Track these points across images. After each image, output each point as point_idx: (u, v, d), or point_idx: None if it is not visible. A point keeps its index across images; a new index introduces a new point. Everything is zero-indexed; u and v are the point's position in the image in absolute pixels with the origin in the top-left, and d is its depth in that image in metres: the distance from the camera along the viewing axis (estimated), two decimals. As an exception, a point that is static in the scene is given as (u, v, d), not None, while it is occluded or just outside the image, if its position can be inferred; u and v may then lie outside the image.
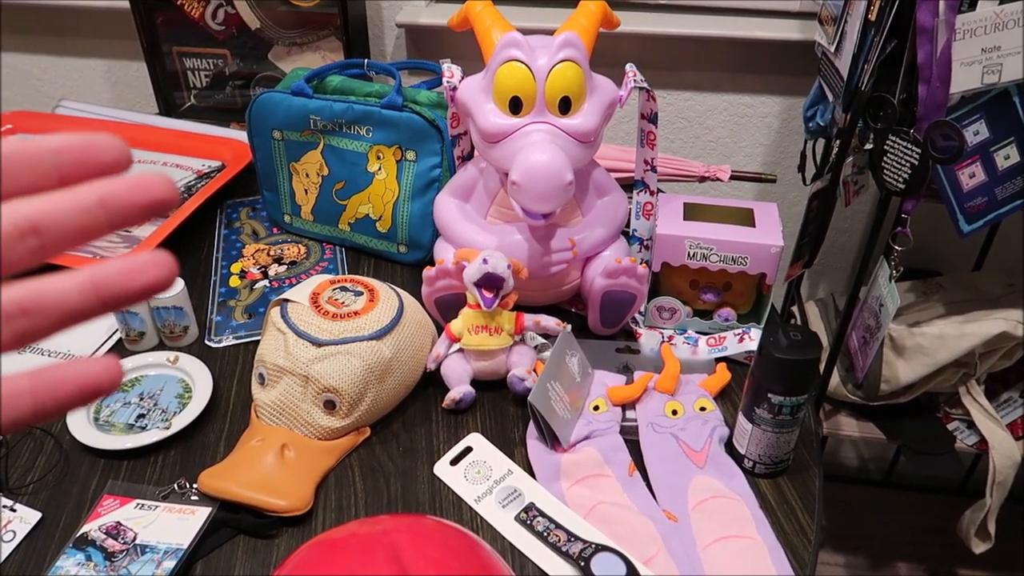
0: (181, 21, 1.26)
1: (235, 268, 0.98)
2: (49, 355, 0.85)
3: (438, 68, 1.02)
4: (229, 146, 1.16)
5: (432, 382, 0.81)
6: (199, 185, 1.10)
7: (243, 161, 1.11)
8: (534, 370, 0.80)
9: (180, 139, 1.18)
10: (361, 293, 0.78)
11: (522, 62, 0.76)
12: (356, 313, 0.75)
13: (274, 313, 0.77)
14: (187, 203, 1.03)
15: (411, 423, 0.78)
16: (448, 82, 0.82)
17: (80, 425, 0.76)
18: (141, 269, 0.23)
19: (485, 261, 0.75)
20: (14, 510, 0.69)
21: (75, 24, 1.44)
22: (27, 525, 0.68)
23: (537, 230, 0.82)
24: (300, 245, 1.03)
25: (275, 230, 1.06)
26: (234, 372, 0.84)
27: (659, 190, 0.92)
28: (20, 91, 1.54)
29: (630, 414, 0.77)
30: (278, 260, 1.00)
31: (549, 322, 0.80)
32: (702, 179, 1.09)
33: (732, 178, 1.08)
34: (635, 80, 0.82)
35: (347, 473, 0.73)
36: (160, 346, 0.87)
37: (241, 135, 1.19)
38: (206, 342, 0.87)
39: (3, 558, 0.66)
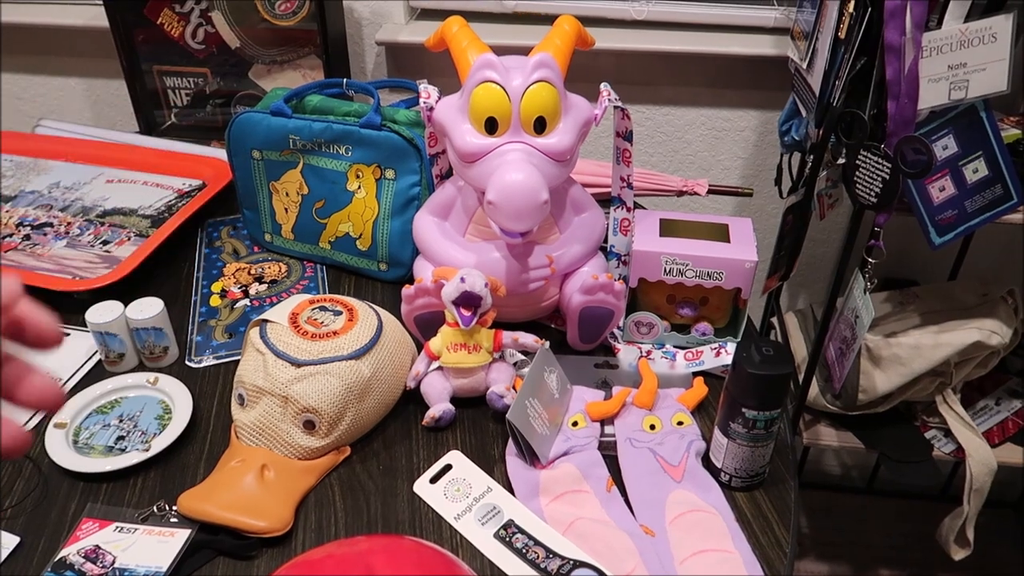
0: (161, 40, 1.26)
1: (216, 287, 0.98)
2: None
3: (414, 86, 1.03)
4: (210, 165, 1.17)
5: (412, 400, 0.82)
6: (179, 204, 1.10)
7: (224, 180, 1.11)
8: (513, 387, 0.80)
9: (160, 158, 1.19)
10: (340, 313, 0.78)
11: (497, 83, 0.77)
12: (335, 333, 0.76)
13: (253, 334, 0.77)
14: (168, 222, 1.03)
15: (391, 441, 0.79)
16: (425, 103, 0.83)
17: (59, 448, 0.76)
18: None
19: (463, 280, 0.76)
20: (-8, 535, 0.69)
21: (55, 43, 1.44)
22: (5, 550, 0.68)
23: (515, 247, 0.83)
24: (281, 264, 1.03)
25: (256, 249, 1.06)
26: (214, 393, 0.84)
27: (636, 206, 0.93)
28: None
29: (608, 429, 0.78)
30: (259, 279, 1.00)
31: (527, 339, 0.80)
32: (680, 193, 1.10)
33: (710, 192, 1.09)
34: (609, 99, 0.83)
35: (327, 492, 0.74)
36: (140, 367, 0.87)
37: (222, 153, 1.20)
38: (186, 362, 0.88)
39: (-19, 584, 0.65)
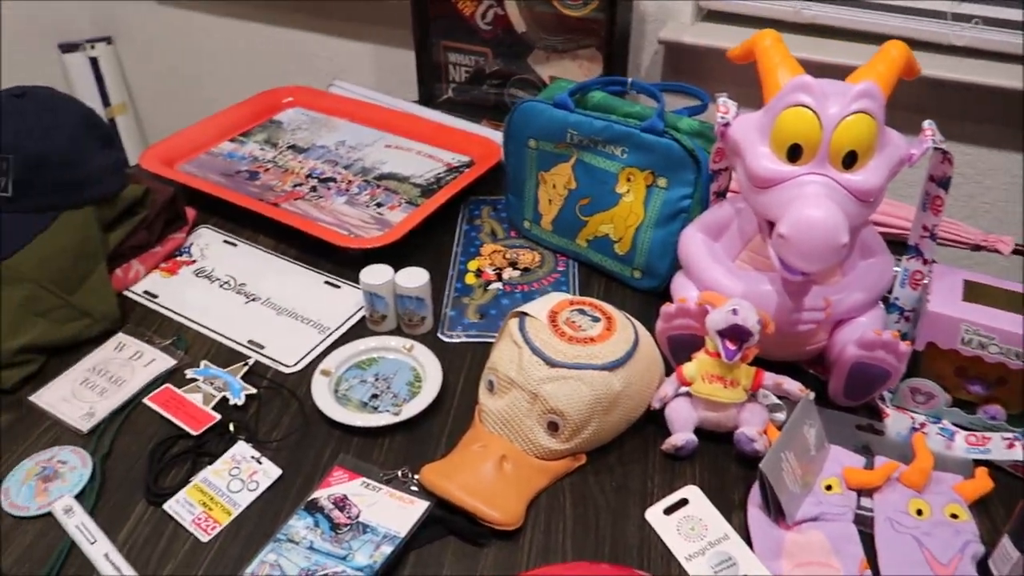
0: (452, 16, 1.32)
1: (472, 266, 1.01)
2: (303, 321, 0.93)
3: (703, 95, 0.99)
4: (479, 143, 1.20)
5: (653, 420, 0.79)
6: (448, 178, 1.15)
7: (490, 160, 1.14)
8: (764, 431, 0.75)
9: (436, 131, 1.24)
10: (599, 319, 0.77)
11: (811, 108, 0.71)
12: (592, 340, 0.75)
13: (512, 324, 0.78)
14: (437, 194, 1.08)
15: (627, 459, 0.77)
16: (722, 117, 0.79)
17: (322, 394, 0.82)
18: None
19: (735, 312, 0.72)
20: (260, 463, 0.76)
21: (354, 10, 1.56)
22: (269, 479, 0.75)
23: (790, 284, 0.77)
24: (535, 252, 1.04)
25: (513, 233, 1.08)
26: (462, 368, 0.87)
27: (933, 260, 0.83)
28: (301, 65, 1.69)
29: (866, 502, 0.71)
30: (513, 264, 1.02)
31: (792, 386, 0.75)
32: (976, 248, 0.97)
33: (1015, 252, 0.96)
34: (933, 140, 0.75)
35: (558, 497, 0.73)
36: (397, 331, 0.91)
37: (490, 133, 1.23)
38: (439, 335, 0.91)
39: (248, 504, 0.72)
